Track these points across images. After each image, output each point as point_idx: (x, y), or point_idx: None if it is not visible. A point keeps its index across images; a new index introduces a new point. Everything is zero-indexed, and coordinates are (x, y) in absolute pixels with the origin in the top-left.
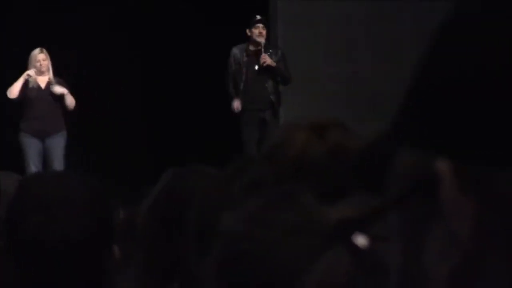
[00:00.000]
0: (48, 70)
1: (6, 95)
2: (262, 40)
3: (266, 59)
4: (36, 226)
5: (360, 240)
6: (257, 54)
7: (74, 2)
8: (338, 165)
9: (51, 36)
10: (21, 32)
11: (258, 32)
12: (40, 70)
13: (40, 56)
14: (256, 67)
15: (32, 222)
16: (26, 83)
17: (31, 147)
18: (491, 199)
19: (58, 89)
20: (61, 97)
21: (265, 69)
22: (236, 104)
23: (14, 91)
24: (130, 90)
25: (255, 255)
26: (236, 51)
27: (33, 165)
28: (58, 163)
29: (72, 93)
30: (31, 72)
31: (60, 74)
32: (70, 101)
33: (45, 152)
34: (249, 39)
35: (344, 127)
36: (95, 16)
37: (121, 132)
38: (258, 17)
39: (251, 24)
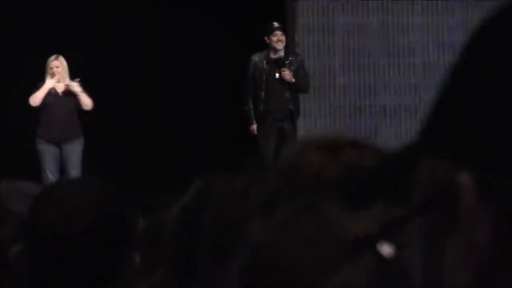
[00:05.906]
0: (63, 76)
1: (23, 101)
2: (281, 46)
3: (286, 75)
4: (54, 224)
5: (386, 249)
6: (277, 61)
7: (79, 2)
8: (354, 179)
9: (54, 37)
10: (22, 35)
11: (277, 39)
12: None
13: (54, 63)
14: (277, 75)
15: (51, 222)
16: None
17: (48, 153)
18: (510, 210)
19: (75, 87)
20: (77, 101)
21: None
22: (253, 128)
23: (36, 99)
24: (139, 93)
25: (279, 265)
26: (255, 58)
27: (49, 172)
28: (75, 170)
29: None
30: (54, 81)
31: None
32: (86, 100)
33: (62, 158)
34: (269, 47)
35: (359, 146)
36: (99, 20)
37: (131, 138)
38: (276, 24)
39: (269, 31)
